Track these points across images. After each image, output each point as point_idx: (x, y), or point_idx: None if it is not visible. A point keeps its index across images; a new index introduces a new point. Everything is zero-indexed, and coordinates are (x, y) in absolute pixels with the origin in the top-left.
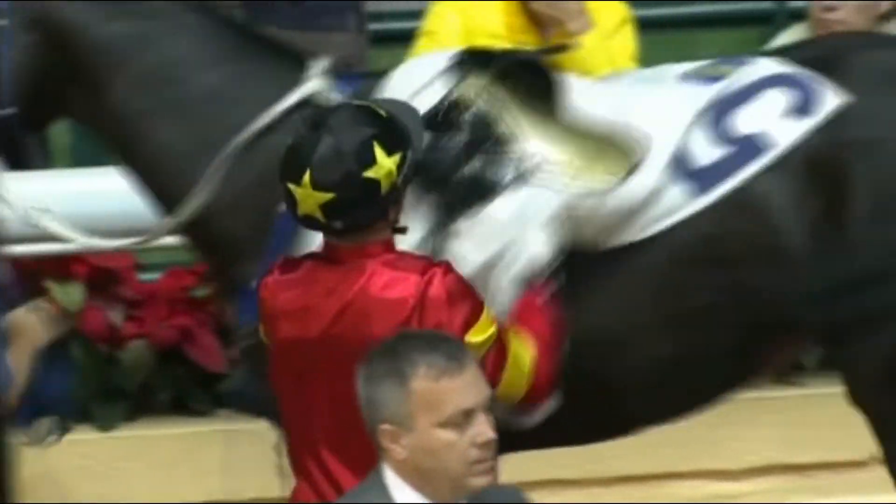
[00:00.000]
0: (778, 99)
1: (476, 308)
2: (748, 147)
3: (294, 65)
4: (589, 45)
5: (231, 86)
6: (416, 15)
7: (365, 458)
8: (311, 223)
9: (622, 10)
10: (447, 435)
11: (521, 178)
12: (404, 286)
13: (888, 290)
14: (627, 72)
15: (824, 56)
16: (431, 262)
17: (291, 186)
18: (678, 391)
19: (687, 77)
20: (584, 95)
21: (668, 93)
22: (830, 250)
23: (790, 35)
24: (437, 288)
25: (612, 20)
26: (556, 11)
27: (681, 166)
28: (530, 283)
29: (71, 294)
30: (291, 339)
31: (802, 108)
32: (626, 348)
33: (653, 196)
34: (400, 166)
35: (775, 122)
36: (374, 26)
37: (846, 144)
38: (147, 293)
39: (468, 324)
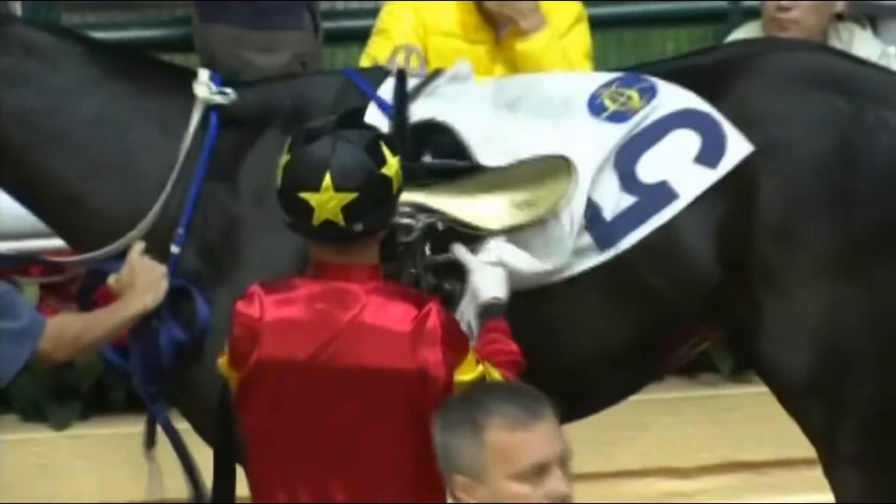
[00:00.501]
0: (685, 143)
1: (464, 346)
2: (655, 197)
3: (179, 78)
4: (542, 44)
5: (116, 107)
6: (370, 13)
7: (356, 490)
8: (327, 230)
9: (576, 9)
10: (521, 489)
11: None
12: (401, 317)
13: (795, 289)
14: (539, 92)
15: (735, 58)
16: (423, 295)
17: (307, 195)
18: (588, 387)
19: (595, 108)
20: (489, 130)
21: (576, 133)
22: (737, 248)
23: (744, 33)
24: (433, 322)
25: (566, 19)
26: (509, 10)
27: (590, 214)
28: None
29: (25, 293)
30: (275, 357)
31: (710, 158)
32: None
33: (566, 245)
34: (399, 166)
35: (682, 171)
36: (328, 24)
37: (756, 147)
38: (100, 292)
39: (458, 362)
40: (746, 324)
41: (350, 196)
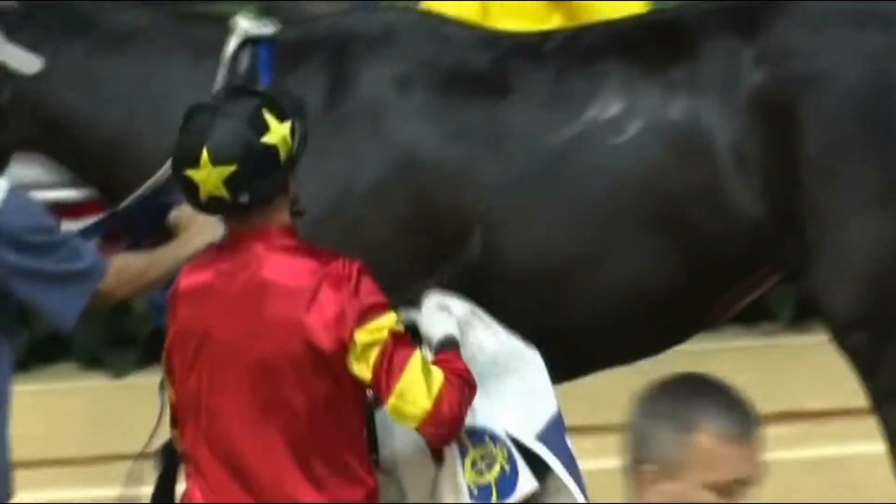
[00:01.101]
0: None
1: (374, 307)
2: None
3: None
4: None
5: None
6: None
7: (262, 448)
8: (215, 205)
9: None
10: (709, 497)
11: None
12: (300, 271)
13: (840, 224)
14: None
15: None
16: (336, 253)
17: (190, 172)
18: (628, 332)
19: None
20: None
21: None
22: (781, 183)
23: None
24: (336, 277)
25: None
26: None
27: None
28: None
29: None
30: (187, 325)
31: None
32: (570, 286)
33: None
34: (293, 133)
35: None
36: None
37: (792, 80)
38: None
39: (361, 319)
40: (796, 262)
41: (229, 169)
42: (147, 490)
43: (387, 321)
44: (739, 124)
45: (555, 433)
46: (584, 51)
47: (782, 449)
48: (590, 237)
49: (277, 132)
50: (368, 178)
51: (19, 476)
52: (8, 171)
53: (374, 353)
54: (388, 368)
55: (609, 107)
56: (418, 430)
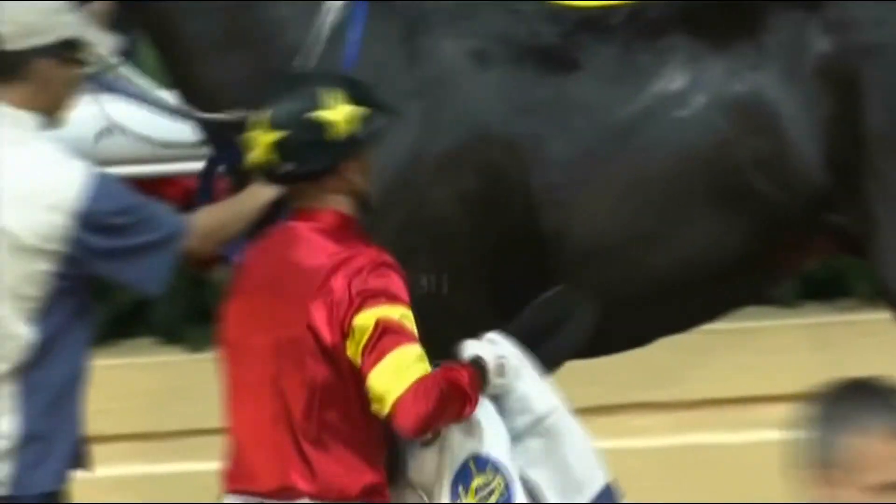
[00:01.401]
0: None
1: (377, 295)
2: None
3: None
4: None
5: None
6: None
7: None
8: (266, 170)
9: None
10: (884, 497)
11: None
12: (322, 257)
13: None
14: None
15: None
16: (369, 244)
17: (252, 133)
18: (692, 301)
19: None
20: None
21: None
22: (845, 154)
23: None
24: (353, 266)
25: None
26: None
27: None
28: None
29: None
30: (235, 296)
31: None
32: (637, 259)
33: None
34: (360, 119)
35: None
36: None
37: (856, 51)
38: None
39: (360, 306)
40: (858, 233)
41: (281, 134)
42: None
43: (387, 311)
44: (805, 95)
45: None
46: (649, 25)
47: None
48: (657, 210)
49: (337, 112)
50: (439, 148)
51: (98, 450)
52: (90, 149)
53: (365, 336)
54: (371, 350)
55: (674, 81)
56: (387, 416)
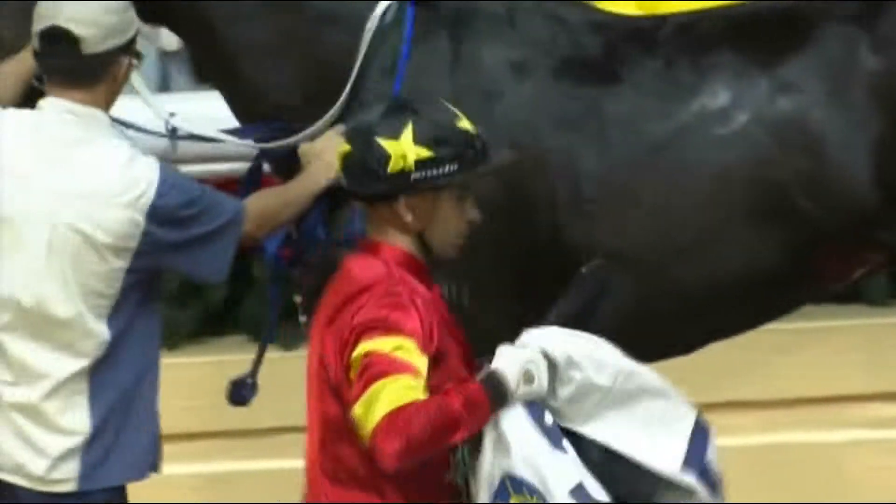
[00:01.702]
0: None
1: (377, 329)
2: None
3: None
4: None
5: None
6: None
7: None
8: (339, 178)
9: None
10: None
11: None
12: (343, 289)
13: None
14: None
15: None
16: (387, 275)
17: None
18: (729, 315)
19: None
20: None
21: None
22: (893, 170)
23: None
24: (364, 294)
25: None
26: None
27: None
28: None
29: None
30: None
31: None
32: (671, 274)
33: None
34: (416, 160)
35: None
36: None
37: None
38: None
39: (360, 336)
40: None
41: (346, 148)
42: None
43: (379, 343)
44: (852, 115)
45: (696, 451)
46: (696, 39)
47: None
48: (692, 227)
49: (402, 145)
50: None
51: (188, 447)
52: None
53: (355, 369)
54: (356, 382)
55: (717, 97)
56: (368, 449)
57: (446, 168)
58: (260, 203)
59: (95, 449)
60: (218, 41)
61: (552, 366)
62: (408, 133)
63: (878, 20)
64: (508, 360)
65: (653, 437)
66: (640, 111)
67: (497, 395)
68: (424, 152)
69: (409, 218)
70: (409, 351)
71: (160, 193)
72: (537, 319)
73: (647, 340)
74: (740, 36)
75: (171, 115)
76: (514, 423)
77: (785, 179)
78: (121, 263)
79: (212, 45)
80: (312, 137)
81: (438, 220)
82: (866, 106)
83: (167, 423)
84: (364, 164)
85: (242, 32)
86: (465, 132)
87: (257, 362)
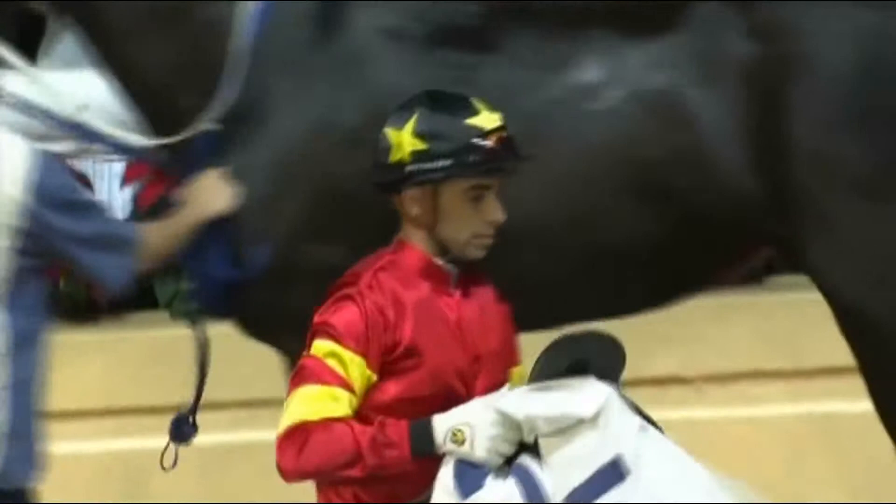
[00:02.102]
0: None
1: (321, 332)
2: None
3: None
4: None
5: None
6: None
7: None
8: None
9: None
10: None
11: None
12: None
13: (831, 209)
14: None
15: None
16: (363, 272)
17: None
18: (607, 291)
19: None
20: None
21: None
22: (771, 164)
23: None
24: (332, 295)
25: None
26: None
27: None
28: None
29: None
30: None
31: None
32: (547, 247)
33: None
34: (412, 152)
35: None
36: None
37: (782, 59)
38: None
39: (312, 339)
40: (789, 240)
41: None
42: None
43: (317, 347)
44: (726, 97)
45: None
46: (574, 12)
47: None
48: (567, 200)
49: (400, 136)
50: (346, 125)
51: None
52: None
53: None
54: (291, 381)
55: (591, 72)
56: None
57: (439, 163)
58: (151, 236)
59: (12, 446)
60: (98, 20)
61: (516, 426)
62: (411, 124)
63: (754, 5)
64: (448, 416)
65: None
66: (515, 82)
67: (419, 442)
68: (419, 144)
69: (415, 211)
70: (340, 358)
71: (40, 172)
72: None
73: (542, 309)
74: (617, 12)
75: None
76: (442, 478)
77: (659, 157)
78: (7, 242)
79: (93, 24)
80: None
81: (444, 216)
82: (739, 90)
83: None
84: (375, 153)
85: (120, 11)
86: (471, 130)
87: (196, 402)
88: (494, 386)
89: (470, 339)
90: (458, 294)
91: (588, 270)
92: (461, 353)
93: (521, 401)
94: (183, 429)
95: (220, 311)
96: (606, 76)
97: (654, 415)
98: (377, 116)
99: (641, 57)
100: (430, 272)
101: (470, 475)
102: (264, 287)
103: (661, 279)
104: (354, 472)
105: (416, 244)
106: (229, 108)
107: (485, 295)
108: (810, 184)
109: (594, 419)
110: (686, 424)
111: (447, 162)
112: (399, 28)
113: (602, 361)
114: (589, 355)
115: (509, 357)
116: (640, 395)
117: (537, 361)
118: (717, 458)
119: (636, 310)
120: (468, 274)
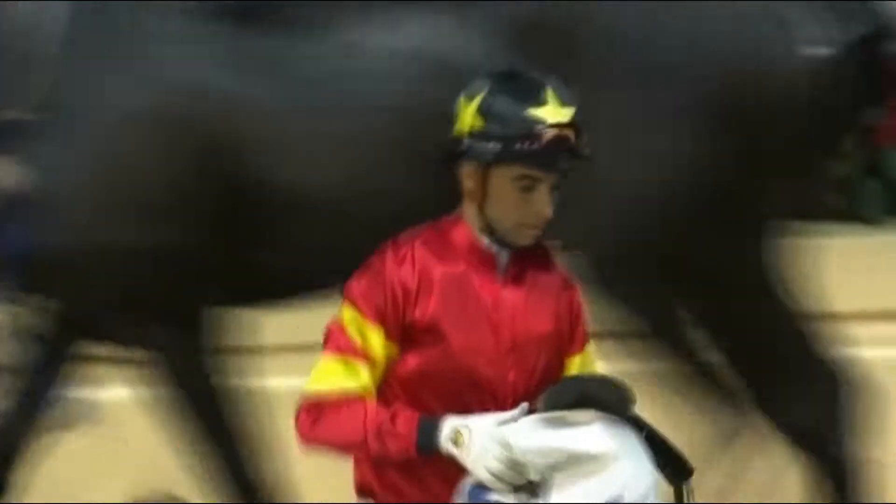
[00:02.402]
0: None
1: (346, 299)
2: None
3: None
4: None
5: None
6: None
7: None
8: None
9: None
10: None
11: None
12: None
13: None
14: None
15: None
16: (414, 242)
17: None
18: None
19: None
20: None
21: None
22: None
23: None
24: (378, 255)
25: None
26: None
27: None
28: None
29: None
30: None
31: None
32: (334, 211)
33: None
34: (468, 127)
35: None
36: None
37: (565, 16)
38: None
39: (343, 299)
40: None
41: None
42: None
43: (340, 313)
44: (509, 55)
45: None
46: None
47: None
48: (346, 162)
49: (466, 109)
50: (137, 105)
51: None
52: None
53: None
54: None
55: (369, 37)
56: None
57: (490, 145)
58: None
59: None
60: None
61: (510, 449)
62: (478, 99)
63: None
64: (458, 418)
65: None
66: (298, 50)
67: (425, 438)
68: (479, 121)
69: (469, 186)
70: (360, 327)
71: None
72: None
73: (332, 267)
74: None
75: None
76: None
77: (429, 115)
78: None
79: None
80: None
81: (492, 198)
82: (521, 48)
83: None
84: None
85: None
86: (529, 119)
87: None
88: (528, 373)
89: (507, 324)
90: (502, 277)
91: (372, 227)
92: (491, 336)
93: (523, 429)
94: None
95: (21, 287)
96: (385, 40)
97: None
98: (170, 93)
99: (423, 20)
100: (472, 250)
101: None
102: (75, 269)
103: None
104: (359, 454)
105: (467, 220)
106: (35, 97)
107: (544, 282)
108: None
109: (593, 458)
110: None
111: (498, 146)
112: (186, 7)
113: (609, 398)
114: (595, 391)
115: (564, 345)
116: None
117: (542, 395)
118: None
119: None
120: (527, 258)
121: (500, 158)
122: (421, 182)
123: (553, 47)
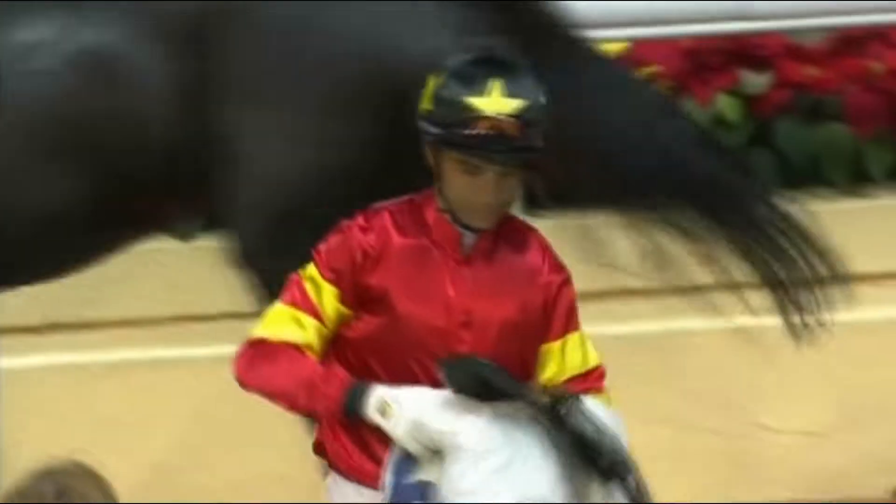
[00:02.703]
0: None
1: (314, 255)
2: None
3: None
4: None
5: None
6: None
7: None
8: None
9: None
10: None
11: None
12: None
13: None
14: None
15: None
16: (384, 211)
17: None
18: (48, 249)
19: None
20: None
21: None
22: (202, 116)
23: None
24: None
25: None
26: None
27: None
28: None
29: None
30: None
31: None
32: None
33: None
34: (424, 111)
35: None
36: None
37: (218, 11)
38: None
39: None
40: (209, 189)
41: None
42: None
43: (305, 268)
44: (160, 51)
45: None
46: None
47: None
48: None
49: (427, 88)
50: None
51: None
52: None
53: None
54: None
55: (24, 33)
56: None
57: (431, 129)
58: None
59: None
60: None
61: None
62: (435, 81)
63: None
64: (389, 390)
65: None
66: None
67: (351, 402)
68: (429, 104)
69: (430, 161)
70: (316, 284)
71: None
72: None
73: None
74: None
75: None
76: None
77: (88, 114)
78: None
79: None
80: None
81: (444, 179)
82: (173, 44)
83: None
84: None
85: None
86: (467, 109)
87: None
88: (488, 355)
89: (462, 301)
90: (465, 256)
91: (28, 228)
92: (443, 311)
93: (435, 407)
94: None
95: None
96: (40, 36)
97: None
98: None
99: (76, 17)
100: (438, 226)
101: (405, 469)
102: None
103: (95, 236)
104: (287, 406)
105: (436, 195)
106: None
107: (517, 267)
108: (232, 131)
109: (465, 452)
110: None
111: (438, 130)
112: None
113: (506, 386)
114: (489, 376)
115: (537, 333)
116: None
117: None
118: None
119: (87, 261)
120: (502, 242)
121: (439, 143)
122: (72, 179)
123: (203, 50)
